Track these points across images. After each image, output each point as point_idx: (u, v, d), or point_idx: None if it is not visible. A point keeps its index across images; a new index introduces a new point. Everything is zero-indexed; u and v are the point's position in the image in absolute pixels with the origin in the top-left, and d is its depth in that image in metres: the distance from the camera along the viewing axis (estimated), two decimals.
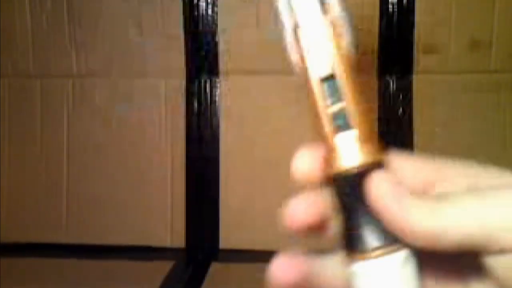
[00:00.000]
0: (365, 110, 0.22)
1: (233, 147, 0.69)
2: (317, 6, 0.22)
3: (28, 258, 0.66)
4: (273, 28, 0.68)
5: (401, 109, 0.68)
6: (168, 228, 0.69)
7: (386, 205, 0.20)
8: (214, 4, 0.68)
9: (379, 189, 0.20)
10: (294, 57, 0.23)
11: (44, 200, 0.70)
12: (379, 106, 0.68)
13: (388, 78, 0.68)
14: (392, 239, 0.20)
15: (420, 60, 0.67)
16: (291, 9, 0.22)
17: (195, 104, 0.69)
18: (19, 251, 0.68)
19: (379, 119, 0.68)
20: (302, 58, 0.22)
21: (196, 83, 0.69)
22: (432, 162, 0.23)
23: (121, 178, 0.69)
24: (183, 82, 0.69)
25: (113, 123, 0.70)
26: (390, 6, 0.67)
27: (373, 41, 0.67)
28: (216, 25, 0.68)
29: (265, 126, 0.69)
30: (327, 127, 0.22)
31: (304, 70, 0.22)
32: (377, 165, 0.21)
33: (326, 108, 0.22)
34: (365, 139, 0.21)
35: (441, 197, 0.20)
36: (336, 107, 0.22)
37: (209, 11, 0.68)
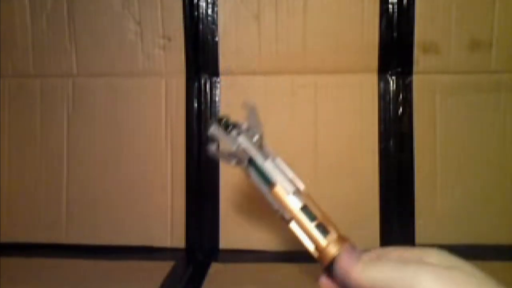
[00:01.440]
0: (327, 217, 0.38)
1: None
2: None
3: (28, 258, 0.66)
4: (273, 28, 0.68)
5: (401, 109, 0.68)
6: (168, 228, 0.69)
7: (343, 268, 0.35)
8: (214, 4, 0.68)
9: (341, 261, 0.35)
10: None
11: (44, 200, 0.70)
12: (379, 106, 0.68)
13: (388, 78, 0.68)
14: None
15: (420, 60, 0.67)
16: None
17: (195, 104, 0.69)
18: (19, 251, 0.68)
19: (379, 119, 0.68)
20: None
21: (196, 83, 0.69)
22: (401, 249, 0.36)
23: (121, 178, 0.69)
24: (183, 82, 0.69)
25: (113, 123, 0.70)
26: (390, 6, 0.67)
27: (373, 41, 0.67)
28: (216, 25, 0.68)
29: (264, 126, 0.69)
30: (315, 235, 0.37)
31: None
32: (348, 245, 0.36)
33: (311, 224, 0.37)
34: (339, 236, 0.37)
35: (375, 262, 0.34)
36: (315, 223, 0.37)
37: (209, 11, 0.68)
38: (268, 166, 0.40)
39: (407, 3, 0.66)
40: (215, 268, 0.63)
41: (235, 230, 0.68)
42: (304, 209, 0.38)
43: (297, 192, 0.39)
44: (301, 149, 0.68)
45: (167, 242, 0.69)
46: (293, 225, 0.38)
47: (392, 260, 0.34)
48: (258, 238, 0.67)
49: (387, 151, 0.67)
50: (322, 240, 0.37)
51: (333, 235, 0.37)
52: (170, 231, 0.69)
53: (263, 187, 0.40)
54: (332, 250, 0.36)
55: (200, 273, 0.62)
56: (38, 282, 0.58)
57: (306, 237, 0.37)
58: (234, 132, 0.41)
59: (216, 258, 0.66)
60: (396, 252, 0.35)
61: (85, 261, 0.65)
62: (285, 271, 0.60)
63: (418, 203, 0.67)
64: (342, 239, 0.37)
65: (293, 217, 0.38)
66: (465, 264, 0.32)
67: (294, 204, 0.38)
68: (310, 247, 0.37)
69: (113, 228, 0.69)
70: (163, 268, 0.62)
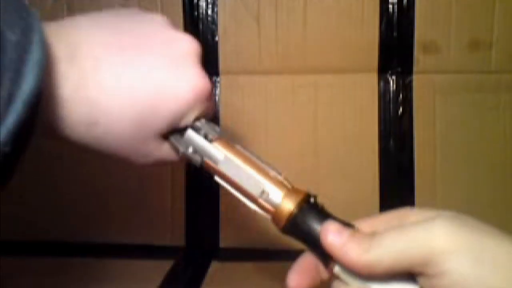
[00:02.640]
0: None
1: None
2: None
3: (27, 257, 0.66)
4: (273, 28, 0.68)
5: (401, 109, 0.68)
6: (168, 226, 0.69)
7: (334, 250, 0.29)
8: (214, 4, 0.68)
9: (327, 238, 0.29)
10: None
11: (44, 198, 0.71)
12: (379, 106, 0.68)
13: (388, 77, 0.68)
14: None
15: (420, 60, 0.67)
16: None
17: None
18: (19, 250, 0.68)
19: (379, 119, 0.68)
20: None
21: None
22: (374, 217, 0.33)
23: (121, 176, 0.69)
24: None
25: None
26: (390, 6, 0.67)
27: (373, 41, 0.67)
28: (216, 25, 0.68)
29: (265, 125, 0.69)
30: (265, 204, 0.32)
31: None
32: (305, 199, 0.31)
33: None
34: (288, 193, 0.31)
35: (373, 236, 0.29)
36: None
37: (209, 11, 0.68)
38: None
39: (407, 3, 0.66)
40: (215, 266, 0.63)
41: (235, 229, 0.68)
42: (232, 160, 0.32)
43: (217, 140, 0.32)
44: (301, 148, 0.68)
45: (167, 241, 0.69)
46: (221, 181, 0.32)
47: (389, 229, 0.29)
48: (258, 237, 0.67)
49: (387, 150, 0.68)
50: (273, 187, 0.31)
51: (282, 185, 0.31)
52: (170, 229, 0.69)
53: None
54: (287, 206, 0.31)
55: (200, 271, 0.62)
56: (37, 281, 0.59)
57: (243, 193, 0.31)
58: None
59: (216, 257, 0.66)
60: (370, 221, 0.32)
61: (84, 260, 0.65)
62: (285, 270, 0.60)
63: (418, 203, 0.67)
64: (298, 190, 0.32)
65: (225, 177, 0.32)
66: (445, 212, 0.30)
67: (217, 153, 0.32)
68: (252, 205, 0.32)
69: (113, 227, 0.69)
70: (163, 266, 0.62)
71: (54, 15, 0.70)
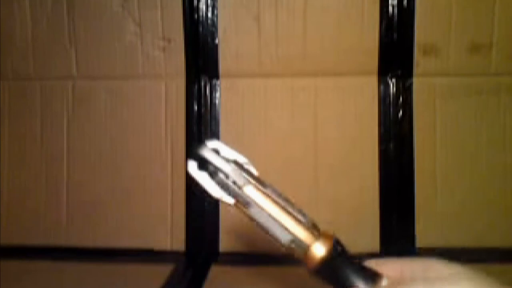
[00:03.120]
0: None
1: (233, 149, 0.68)
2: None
3: (28, 261, 0.65)
4: (273, 31, 0.68)
5: (401, 112, 0.68)
6: (168, 231, 0.69)
7: None
8: (214, 7, 0.68)
9: None
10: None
11: (45, 203, 0.70)
12: (379, 109, 0.68)
13: (388, 80, 0.68)
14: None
15: (420, 63, 0.67)
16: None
17: (195, 106, 0.69)
18: (19, 254, 0.68)
19: (379, 122, 0.68)
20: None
21: (196, 86, 0.69)
22: (400, 262, 0.33)
23: (121, 180, 0.69)
24: (183, 84, 0.69)
25: (113, 125, 0.70)
26: (390, 8, 0.67)
27: (373, 44, 0.67)
28: (216, 27, 0.68)
29: (264, 128, 0.69)
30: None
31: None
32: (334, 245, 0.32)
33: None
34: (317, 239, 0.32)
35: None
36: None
37: (209, 14, 0.68)
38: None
39: (407, 6, 0.66)
40: (215, 270, 0.63)
41: (234, 233, 0.68)
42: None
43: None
44: (301, 151, 0.68)
45: (167, 245, 0.69)
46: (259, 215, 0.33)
47: (416, 281, 0.31)
48: (258, 242, 0.67)
49: (387, 153, 0.67)
50: (304, 236, 0.33)
51: (313, 229, 0.33)
52: (170, 234, 0.69)
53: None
54: (320, 250, 0.32)
55: (200, 276, 0.61)
56: (37, 285, 0.58)
57: (281, 230, 0.33)
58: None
59: (216, 261, 0.66)
60: (395, 265, 0.33)
61: (85, 264, 0.65)
62: (284, 274, 0.60)
63: (418, 205, 0.67)
64: (326, 235, 0.33)
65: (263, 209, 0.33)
66: (467, 269, 0.32)
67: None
68: (287, 242, 0.33)
69: (113, 231, 0.69)
70: (163, 271, 0.62)
71: (54, 17, 0.70)
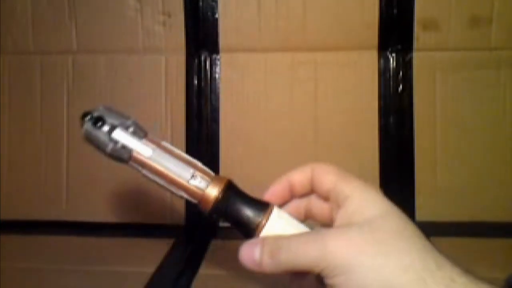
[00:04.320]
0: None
1: (233, 124, 0.69)
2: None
3: (27, 235, 0.66)
4: (273, 5, 0.68)
5: (401, 86, 0.68)
6: (168, 205, 0.69)
7: (246, 263, 0.33)
8: None
9: (242, 255, 0.33)
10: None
11: (44, 178, 0.70)
12: (379, 83, 0.68)
13: (388, 55, 0.68)
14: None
15: (420, 37, 0.67)
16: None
17: (195, 81, 0.69)
18: (19, 228, 0.68)
19: (379, 96, 0.68)
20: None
21: (196, 60, 0.69)
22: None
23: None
24: (183, 59, 0.69)
25: (113, 99, 0.70)
26: None
27: (373, 18, 0.67)
28: (216, 2, 0.68)
29: (264, 103, 0.69)
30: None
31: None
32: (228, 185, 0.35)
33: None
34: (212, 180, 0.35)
35: (280, 242, 0.32)
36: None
37: None
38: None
39: None
40: (215, 245, 0.63)
41: None
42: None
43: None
44: (301, 125, 0.68)
45: (166, 220, 0.69)
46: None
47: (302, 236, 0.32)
48: None
49: (387, 128, 0.67)
50: (200, 175, 0.35)
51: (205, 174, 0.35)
52: (170, 208, 0.69)
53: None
54: (213, 191, 0.35)
55: (200, 250, 0.61)
56: (37, 259, 0.58)
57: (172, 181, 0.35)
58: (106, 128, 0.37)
59: (215, 235, 0.66)
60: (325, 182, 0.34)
61: (85, 238, 0.65)
62: None
63: (418, 179, 0.67)
64: (219, 178, 0.35)
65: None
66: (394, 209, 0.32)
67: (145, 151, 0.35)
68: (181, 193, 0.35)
69: (112, 206, 0.69)
70: (163, 245, 0.62)
71: (54, 15, 0.70)
